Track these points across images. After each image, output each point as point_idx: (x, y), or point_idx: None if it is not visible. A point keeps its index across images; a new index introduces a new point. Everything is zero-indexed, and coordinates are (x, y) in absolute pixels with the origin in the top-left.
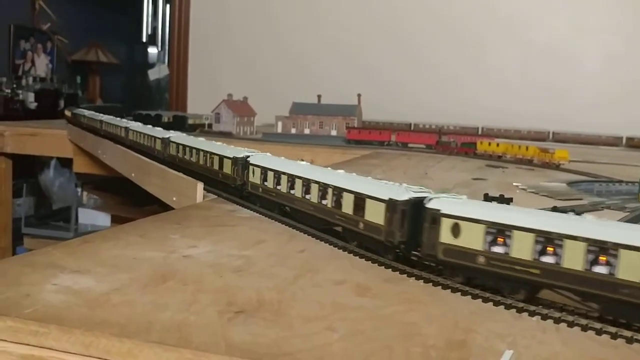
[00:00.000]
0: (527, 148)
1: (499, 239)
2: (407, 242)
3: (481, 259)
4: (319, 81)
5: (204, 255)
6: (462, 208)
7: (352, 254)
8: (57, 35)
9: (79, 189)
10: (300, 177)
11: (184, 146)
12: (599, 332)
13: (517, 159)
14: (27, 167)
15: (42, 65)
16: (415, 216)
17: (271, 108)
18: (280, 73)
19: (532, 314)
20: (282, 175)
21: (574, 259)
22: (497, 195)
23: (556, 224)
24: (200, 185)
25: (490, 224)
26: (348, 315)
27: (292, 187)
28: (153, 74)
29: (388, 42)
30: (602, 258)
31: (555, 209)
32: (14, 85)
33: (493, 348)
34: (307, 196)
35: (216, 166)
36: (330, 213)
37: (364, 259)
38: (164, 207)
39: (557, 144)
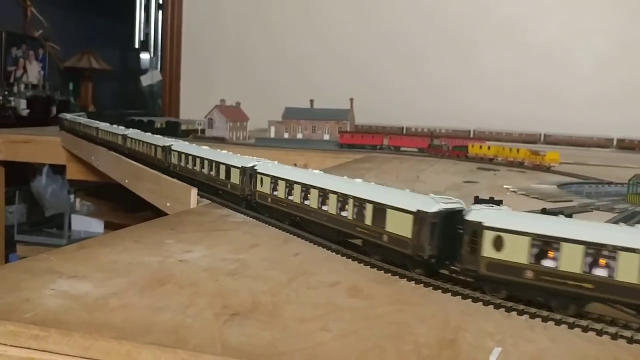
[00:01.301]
0: (518, 150)
1: (276, 187)
2: (252, 194)
3: (269, 199)
4: (311, 86)
5: (199, 260)
6: (265, 169)
7: (345, 257)
8: (49, 42)
9: (72, 196)
10: (198, 157)
11: (136, 140)
12: (585, 330)
13: (508, 162)
14: (19, 174)
15: (34, 72)
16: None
17: (264, 113)
18: (273, 78)
19: (520, 313)
20: (189, 156)
21: (314, 200)
22: (488, 198)
23: (303, 177)
24: (194, 191)
25: (272, 177)
26: (341, 316)
27: (195, 164)
28: (146, 80)
29: (381, 46)
30: (347, 206)
31: (544, 211)
32: (6, 92)
33: (483, 346)
34: (203, 170)
35: (153, 153)
36: (214, 180)
37: (356, 262)
38: (157, 213)
39: (549, 146)
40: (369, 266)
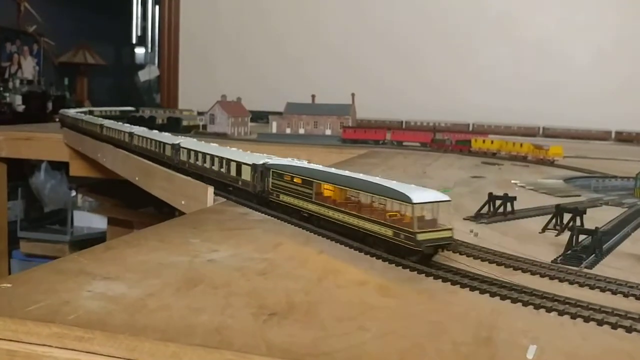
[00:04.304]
0: (521, 145)
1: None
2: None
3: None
4: (313, 81)
5: (227, 259)
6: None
7: (369, 255)
8: (43, 37)
9: (74, 192)
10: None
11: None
12: (614, 326)
13: (511, 156)
14: (18, 171)
15: (29, 67)
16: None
17: (265, 108)
18: (273, 73)
19: (549, 310)
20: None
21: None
22: (502, 194)
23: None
24: (210, 190)
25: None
26: (377, 315)
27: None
28: (143, 75)
29: (379, 42)
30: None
31: (558, 208)
32: (1, 88)
33: (518, 343)
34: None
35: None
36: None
37: (381, 260)
38: (159, 210)
39: (548, 139)
40: (393, 264)
